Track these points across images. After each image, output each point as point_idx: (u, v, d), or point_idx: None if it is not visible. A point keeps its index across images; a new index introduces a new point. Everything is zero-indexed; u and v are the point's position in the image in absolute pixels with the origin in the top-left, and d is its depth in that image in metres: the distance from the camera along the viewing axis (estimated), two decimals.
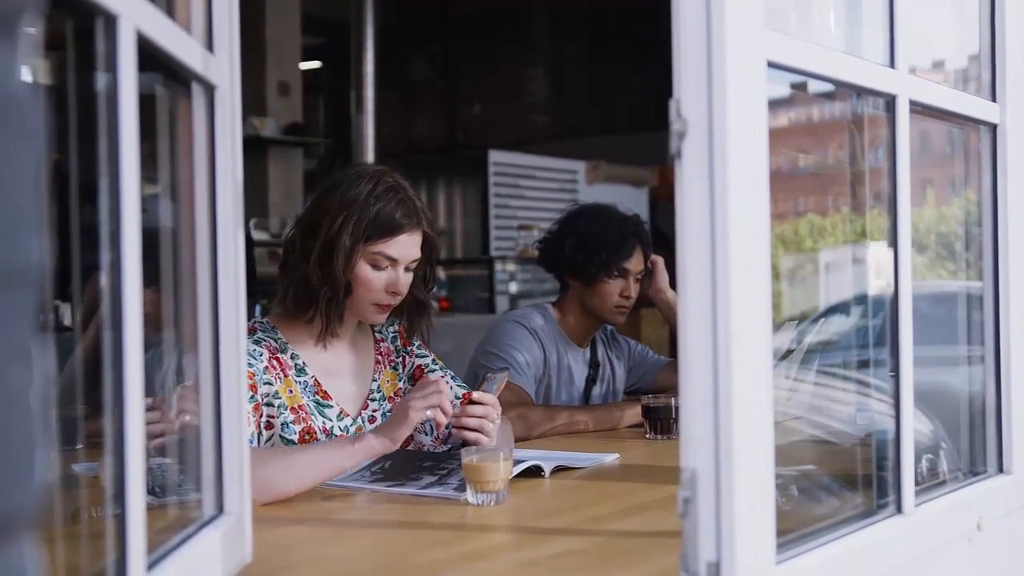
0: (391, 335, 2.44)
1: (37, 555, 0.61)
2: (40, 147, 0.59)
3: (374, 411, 2.33)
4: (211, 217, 1.38)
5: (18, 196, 0.56)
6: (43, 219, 0.59)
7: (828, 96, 1.76)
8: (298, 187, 8.03)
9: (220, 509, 1.39)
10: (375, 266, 2.21)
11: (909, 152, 1.56)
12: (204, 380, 1.39)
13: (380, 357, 2.40)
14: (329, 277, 2.18)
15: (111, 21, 1.02)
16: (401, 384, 2.41)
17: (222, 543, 1.34)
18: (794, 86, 1.49)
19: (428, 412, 1.99)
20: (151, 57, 1.14)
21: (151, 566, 1.10)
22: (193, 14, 1.36)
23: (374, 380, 2.36)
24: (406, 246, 2.23)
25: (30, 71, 0.61)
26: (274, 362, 2.18)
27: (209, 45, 1.37)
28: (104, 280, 1.03)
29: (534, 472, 2.13)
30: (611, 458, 2.38)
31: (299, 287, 2.21)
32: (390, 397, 2.37)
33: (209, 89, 1.37)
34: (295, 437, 2.16)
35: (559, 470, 2.20)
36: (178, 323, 1.42)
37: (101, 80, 1.04)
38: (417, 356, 2.45)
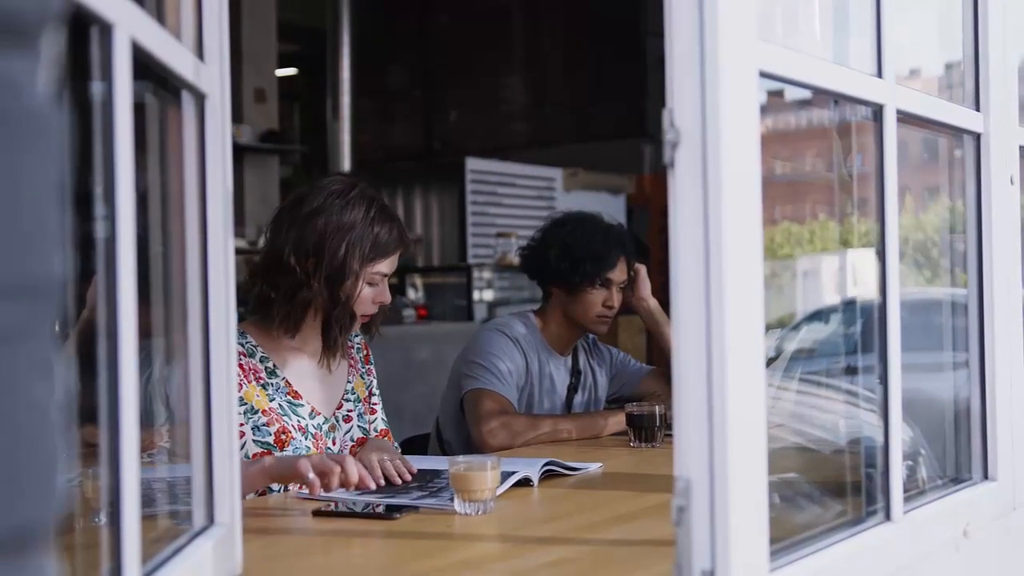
0: (357, 345, 2.53)
1: (57, 567, 0.60)
2: (62, 159, 0.59)
3: (349, 411, 2.43)
4: (201, 226, 1.38)
5: (41, 208, 0.56)
6: (64, 231, 0.59)
7: (805, 104, 1.77)
8: (274, 195, 8.01)
9: (211, 520, 1.38)
10: (370, 284, 2.32)
11: (896, 160, 1.57)
12: (194, 390, 1.38)
13: (352, 361, 2.50)
14: (337, 301, 2.27)
15: (106, 30, 1.01)
16: (367, 391, 2.51)
17: (213, 554, 1.33)
18: (771, 93, 1.50)
19: (311, 476, 1.93)
20: (142, 65, 1.13)
21: None
22: (183, 22, 1.35)
23: (348, 382, 2.45)
24: (395, 262, 2.37)
25: (52, 82, 0.61)
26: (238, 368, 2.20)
27: (200, 54, 1.37)
28: (99, 288, 1.02)
29: (522, 482, 2.13)
30: (595, 467, 2.38)
31: (301, 307, 2.28)
32: (364, 399, 2.48)
33: (200, 98, 1.36)
34: (271, 439, 2.24)
35: (547, 477, 2.20)
36: (167, 332, 1.41)
37: (95, 88, 1.03)
38: (373, 377, 2.56)
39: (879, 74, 1.55)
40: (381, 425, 2.52)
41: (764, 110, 1.52)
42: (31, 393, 0.55)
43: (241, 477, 2.02)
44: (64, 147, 0.60)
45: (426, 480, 2.15)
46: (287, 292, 2.27)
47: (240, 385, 2.21)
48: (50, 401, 0.57)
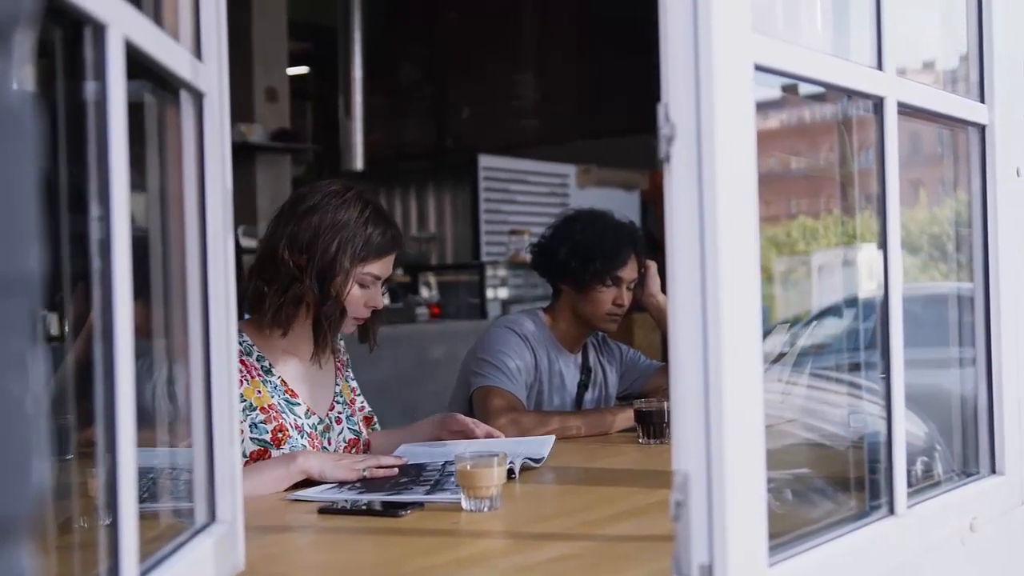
0: (341, 350, 2.58)
1: (33, 561, 0.61)
2: (36, 155, 0.60)
3: (339, 413, 2.47)
4: (200, 226, 1.38)
5: (16, 204, 0.56)
6: (39, 227, 0.60)
7: (819, 98, 1.77)
8: (286, 194, 7.97)
9: (212, 517, 1.39)
10: (362, 285, 2.35)
11: (898, 154, 1.57)
12: (195, 389, 1.39)
13: (339, 364, 2.54)
14: (327, 297, 2.30)
15: (100, 30, 1.01)
16: (352, 395, 2.55)
17: (215, 551, 1.33)
18: (785, 88, 1.50)
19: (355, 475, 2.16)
20: (139, 65, 1.14)
21: (144, 574, 1.10)
22: (181, 22, 1.35)
23: (336, 384, 2.50)
24: (389, 265, 2.39)
25: (25, 79, 0.61)
26: (239, 365, 2.22)
27: (197, 53, 1.37)
28: (94, 289, 1.03)
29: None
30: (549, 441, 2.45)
31: (292, 302, 2.31)
32: (349, 402, 2.51)
33: (198, 97, 1.37)
34: (267, 436, 2.27)
35: (558, 473, 2.21)
36: (168, 333, 1.42)
37: (90, 88, 1.04)
38: (353, 379, 2.59)
39: (879, 66, 1.55)
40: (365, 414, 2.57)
41: (778, 105, 1.52)
42: (7, 387, 0.56)
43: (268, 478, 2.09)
44: (39, 144, 0.61)
45: (415, 476, 2.16)
46: (280, 287, 2.30)
47: (241, 382, 2.24)
48: (26, 396, 0.58)
